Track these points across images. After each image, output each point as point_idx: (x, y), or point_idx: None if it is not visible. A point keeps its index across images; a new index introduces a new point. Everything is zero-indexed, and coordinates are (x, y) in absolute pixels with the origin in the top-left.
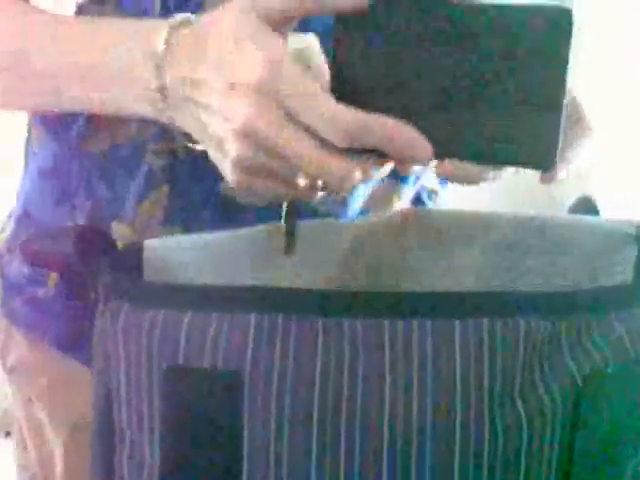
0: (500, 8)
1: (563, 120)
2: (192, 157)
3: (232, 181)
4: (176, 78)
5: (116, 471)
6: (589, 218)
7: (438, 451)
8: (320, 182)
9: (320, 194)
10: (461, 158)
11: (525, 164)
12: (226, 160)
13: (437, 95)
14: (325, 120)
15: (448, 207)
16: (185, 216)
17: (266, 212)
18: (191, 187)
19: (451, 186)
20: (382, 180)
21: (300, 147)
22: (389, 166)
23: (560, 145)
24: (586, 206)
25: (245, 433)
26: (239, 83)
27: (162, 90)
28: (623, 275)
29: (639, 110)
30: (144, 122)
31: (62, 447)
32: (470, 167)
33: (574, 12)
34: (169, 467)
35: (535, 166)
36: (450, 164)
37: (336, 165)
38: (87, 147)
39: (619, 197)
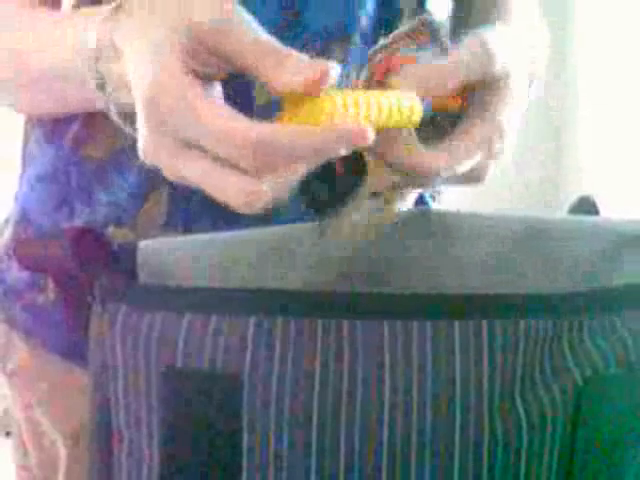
0: None
1: None
2: None
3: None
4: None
5: (115, 472)
6: (595, 218)
7: (438, 453)
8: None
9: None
10: None
11: None
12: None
13: None
14: (215, 139)
15: (451, 208)
16: (186, 220)
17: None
18: (191, 190)
19: (454, 187)
20: None
21: (195, 173)
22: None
23: None
24: (586, 206)
25: (244, 436)
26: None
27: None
28: (630, 275)
29: (639, 110)
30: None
31: (64, 451)
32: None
33: (575, 14)
34: (168, 470)
35: None
36: None
37: (235, 187)
38: (85, 153)
39: (619, 197)
